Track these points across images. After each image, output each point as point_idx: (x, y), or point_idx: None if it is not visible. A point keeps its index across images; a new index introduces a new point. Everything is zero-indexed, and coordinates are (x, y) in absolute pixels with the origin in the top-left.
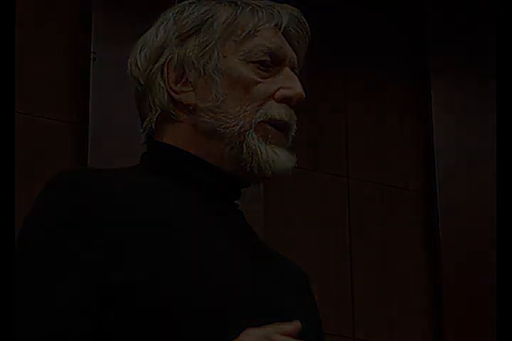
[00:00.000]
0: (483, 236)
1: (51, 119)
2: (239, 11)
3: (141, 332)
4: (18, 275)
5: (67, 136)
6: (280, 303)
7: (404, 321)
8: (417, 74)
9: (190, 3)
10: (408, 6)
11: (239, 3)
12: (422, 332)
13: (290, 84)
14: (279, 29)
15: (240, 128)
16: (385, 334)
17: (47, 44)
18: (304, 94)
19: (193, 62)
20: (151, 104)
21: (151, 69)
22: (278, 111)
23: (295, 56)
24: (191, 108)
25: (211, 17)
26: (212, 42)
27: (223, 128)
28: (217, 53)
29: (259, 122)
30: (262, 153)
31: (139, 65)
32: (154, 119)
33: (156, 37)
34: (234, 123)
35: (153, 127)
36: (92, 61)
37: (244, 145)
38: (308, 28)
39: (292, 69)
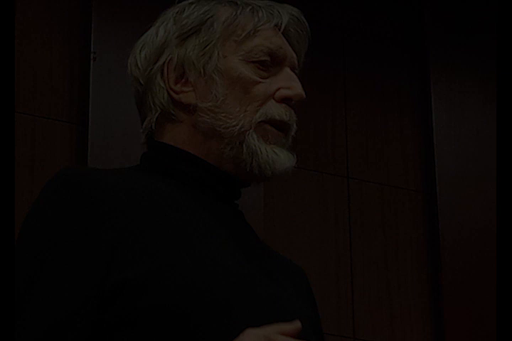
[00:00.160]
0: (483, 236)
1: (51, 119)
2: (239, 11)
3: (141, 332)
4: (18, 273)
5: (67, 136)
6: (280, 303)
7: (404, 321)
8: (417, 74)
9: (190, 3)
10: (408, 5)
11: (239, 3)
12: (422, 332)
13: (290, 84)
14: (279, 29)
15: (240, 128)
16: (385, 334)
17: (47, 44)
18: (303, 94)
19: (193, 62)
20: (151, 104)
21: (151, 69)
22: (278, 112)
23: (295, 56)
24: (191, 108)
25: (211, 17)
26: (213, 42)
27: (223, 128)
28: (218, 53)
29: (259, 122)
30: (262, 153)
31: (139, 65)
32: (154, 119)
33: (156, 37)
34: (234, 123)
35: (153, 127)
36: (92, 61)
37: (244, 145)
38: (308, 28)
39: (292, 69)
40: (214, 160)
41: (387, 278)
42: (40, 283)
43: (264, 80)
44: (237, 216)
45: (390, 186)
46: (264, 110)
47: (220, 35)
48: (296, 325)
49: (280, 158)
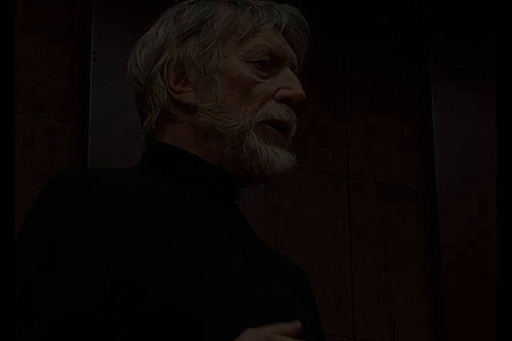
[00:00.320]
0: (484, 236)
1: (51, 119)
2: (239, 11)
3: (141, 332)
4: (18, 273)
5: (67, 136)
6: (280, 303)
7: (404, 321)
8: (417, 74)
9: (190, 3)
10: (408, 6)
11: (239, 3)
12: (422, 332)
13: (290, 84)
14: (279, 29)
15: (240, 128)
16: (385, 335)
17: (47, 44)
18: (303, 95)
19: (193, 62)
20: (151, 104)
21: (151, 69)
22: (278, 111)
23: (295, 56)
24: (191, 108)
25: (211, 17)
26: (213, 42)
27: (223, 128)
28: (218, 53)
29: (259, 122)
30: (261, 153)
31: (139, 65)
32: (154, 119)
33: (156, 37)
34: (234, 123)
35: (153, 127)
36: (92, 61)
37: (244, 145)
38: (308, 28)
39: (292, 69)
40: (214, 160)
41: (387, 278)
42: (40, 283)
43: (264, 80)
44: (237, 216)
45: (390, 186)
46: (264, 110)
47: (220, 35)
48: (296, 324)
49: (280, 158)
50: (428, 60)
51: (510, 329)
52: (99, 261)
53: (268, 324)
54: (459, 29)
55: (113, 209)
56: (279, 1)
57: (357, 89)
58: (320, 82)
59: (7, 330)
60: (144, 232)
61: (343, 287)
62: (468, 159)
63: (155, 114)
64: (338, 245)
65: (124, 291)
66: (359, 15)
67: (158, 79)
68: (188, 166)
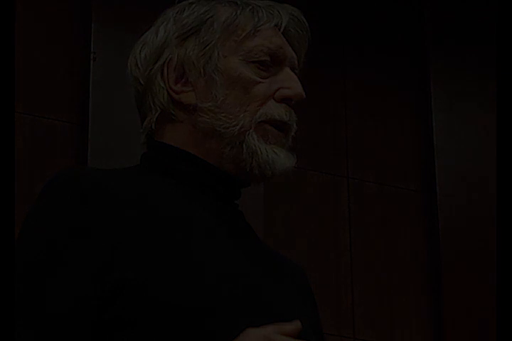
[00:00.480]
0: (483, 236)
1: (51, 119)
2: (239, 11)
3: (141, 332)
4: (18, 274)
5: (67, 136)
6: (280, 303)
7: (404, 321)
8: (417, 74)
9: (190, 3)
10: (408, 6)
11: (239, 3)
12: (422, 332)
13: (290, 84)
14: (279, 29)
15: (240, 128)
16: (385, 335)
17: (47, 44)
18: (303, 94)
19: (193, 62)
20: (151, 104)
21: (151, 69)
22: (278, 111)
23: (295, 56)
24: (191, 108)
25: (211, 17)
26: (213, 42)
27: (223, 128)
28: (218, 53)
29: (259, 122)
30: (261, 153)
31: (139, 65)
32: (154, 119)
33: (156, 37)
34: (234, 123)
35: (153, 127)
36: (92, 61)
37: (244, 145)
38: (308, 28)
39: (292, 69)
40: (214, 160)
41: (387, 278)
42: (40, 283)
43: (264, 80)
44: (237, 216)
45: (390, 186)
46: (264, 110)
47: (220, 35)
48: (296, 324)
49: (280, 158)
50: (428, 59)
51: (510, 330)
52: (99, 261)
53: (268, 324)
54: (459, 29)
55: (113, 209)
56: (279, 1)
57: (357, 89)
58: (320, 82)
59: (7, 330)
60: (144, 232)
61: (343, 287)
62: (469, 159)
63: (155, 114)
64: (338, 245)
65: (124, 291)
66: (359, 16)
67: (158, 79)
68: (188, 166)
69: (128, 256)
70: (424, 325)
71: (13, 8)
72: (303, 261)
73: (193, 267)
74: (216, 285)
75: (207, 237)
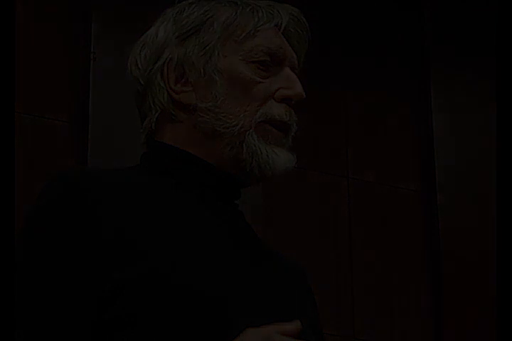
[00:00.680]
0: (483, 236)
1: (51, 119)
2: (239, 11)
3: (141, 332)
4: (18, 275)
5: (67, 136)
6: (280, 303)
7: (404, 321)
8: (417, 74)
9: (190, 3)
10: (409, 5)
11: (239, 3)
12: (422, 332)
13: (290, 84)
14: (279, 29)
15: (240, 128)
16: (385, 335)
17: (47, 44)
18: (304, 94)
19: (193, 62)
20: (151, 104)
21: (151, 69)
22: (278, 112)
23: (295, 56)
24: (191, 108)
25: (211, 17)
26: (213, 42)
27: (223, 128)
28: (218, 53)
29: (259, 122)
30: (261, 153)
31: (139, 65)
32: (154, 119)
33: (156, 37)
34: (234, 123)
35: (153, 127)
36: (92, 61)
37: (244, 145)
38: (309, 28)
39: (292, 69)
40: (214, 160)
41: (387, 277)
42: (40, 284)
43: (264, 80)
44: (237, 216)
45: (390, 186)
46: (264, 110)
47: (220, 35)
48: (296, 324)
49: (280, 158)
50: (428, 59)
51: (510, 330)
52: (99, 262)
53: (268, 323)
54: (460, 29)
55: (112, 209)
56: (279, 1)
57: (357, 89)
58: (320, 81)
59: (8, 330)
60: (144, 232)
61: (343, 287)
62: (469, 159)
63: (155, 114)
64: (338, 245)
65: (124, 291)
66: (359, 14)
67: (158, 79)
68: (188, 166)
69: (128, 257)
70: (424, 325)
71: (13, 8)
72: (303, 261)
73: (193, 267)
74: (216, 285)
75: (207, 237)
